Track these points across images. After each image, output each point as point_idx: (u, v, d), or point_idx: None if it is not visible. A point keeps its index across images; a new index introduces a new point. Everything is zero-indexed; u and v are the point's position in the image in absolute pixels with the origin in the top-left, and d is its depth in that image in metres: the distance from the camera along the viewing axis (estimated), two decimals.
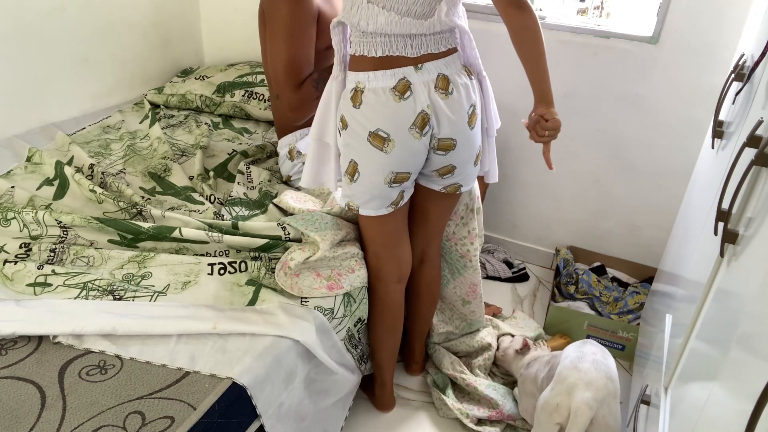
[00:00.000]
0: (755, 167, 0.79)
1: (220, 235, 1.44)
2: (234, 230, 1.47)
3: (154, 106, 2.32)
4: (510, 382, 1.82)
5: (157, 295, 1.30)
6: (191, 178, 1.83)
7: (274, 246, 1.44)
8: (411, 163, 1.31)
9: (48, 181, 1.68)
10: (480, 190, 1.74)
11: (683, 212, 1.69)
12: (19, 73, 1.91)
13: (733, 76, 1.24)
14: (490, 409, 1.68)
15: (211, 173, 1.84)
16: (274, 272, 1.40)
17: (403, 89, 1.23)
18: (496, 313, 2.12)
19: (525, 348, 1.74)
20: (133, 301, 1.28)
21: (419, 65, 1.24)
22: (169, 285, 1.34)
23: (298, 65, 1.54)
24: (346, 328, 1.45)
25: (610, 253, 2.33)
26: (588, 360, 1.41)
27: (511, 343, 1.81)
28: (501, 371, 1.86)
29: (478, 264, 1.75)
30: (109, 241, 1.46)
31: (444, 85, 1.25)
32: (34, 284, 1.30)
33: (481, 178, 1.55)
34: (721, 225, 0.85)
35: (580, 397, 1.32)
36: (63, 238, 1.45)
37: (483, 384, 1.73)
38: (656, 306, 1.65)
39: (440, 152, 1.32)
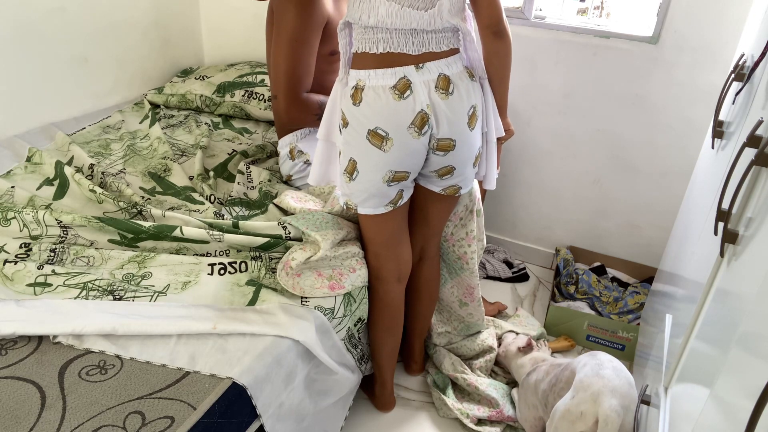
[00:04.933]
0: (755, 167, 0.79)
1: (221, 233, 1.44)
2: (235, 229, 1.47)
3: (154, 106, 2.32)
4: (512, 381, 1.81)
5: (157, 295, 1.30)
6: (191, 178, 1.83)
7: (275, 245, 1.44)
8: (409, 162, 1.31)
9: (48, 181, 1.68)
10: (480, 192, 1.74)
11: (683, 212, 1.69)
12: (19, 73, 1.92)
13: (733, 76, 1.24)
14: (491, 409, 1.68)
15: (211, 173, 1.85)
16: (274, 272, 1.40)
17: (403, 88, 1.23)
18: (500, 309, 2.12)
19: (528, 347, 1.74)
20: (133, 301, 1.28)
21: (420, 65, 1.24)
22: (169, 285, 1.34)
23: (299, 71, 1.57)
24: (346, 328, 1.45)
25: (610, 253, 2.33)
26: (608, 367, 1.38)
27: (514, 340, 1.81)
28: (503, 371, 1.86)
29: (476, 267, 1.74)
30: (110, 240, 1.46)
31: (444, 85, 1.25)
32: (34, 284, 1.30)
33: (480, 182, 1.55)
34: (721, 225, 0.85)
35: (608, 405, 1.28)
36: (63, 238, 1.45)
37: (484, 383, 1.73)
38: (656, 306, 1.65)
39: (439, 153, 1.32)
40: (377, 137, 1.26)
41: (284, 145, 1.78)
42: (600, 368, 1.38)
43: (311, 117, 1.66)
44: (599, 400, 1.30)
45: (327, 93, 1.67)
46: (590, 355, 1.46)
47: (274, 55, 1.59)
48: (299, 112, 1.64)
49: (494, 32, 1.29)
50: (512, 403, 1.71)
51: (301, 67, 1.57)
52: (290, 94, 1.59)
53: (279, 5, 1.55)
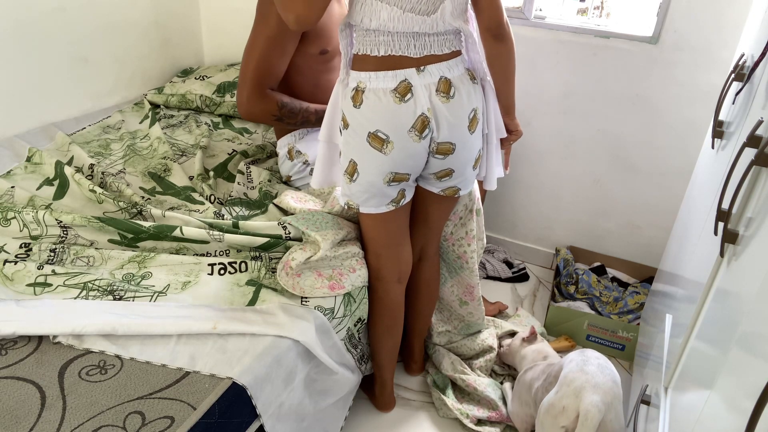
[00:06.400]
0: (755, 167, 0.79)
1: (221, 234, 1.44)
2: (235, 229, 1.47)
3: (154, 106, 2.32)
4: (513, 380, 1.81)
5: (157, 295, 1.30)
6: (191, 178, 1.83)
7: (275, 245, 1.44)
8: (410, 164, 1.31)
9: (48, 181, 1.68)
10: (480, 192, 1.74)
11: (683, 212, 1.69)
12: (19, 73, 1.91)
13: (733, 76, 1.24)
14: (490, 410, 1.68)
15: (211, 173, 1.85)
16: (274, 272, 1.40)
17: (403, 91, 1.23)
18: (501, 309, 2.12)
19: (532, 336, 1.74)
20: (133, 301, 1.28)
21: (421, 67, 1.23)
22: (169, 285, 1.34)
23: (266, 69, 1.56)
24: (346, 328, 1.45)
25: (610, 253, 2.33)
26: (593, 364, 1.40)
27: (518, 334, 1.81)
28: (503, 370, 1.85)
29: (476, 267, 1.74)
30: (110, 240, 1.46)
31: (445, 88, 1.25)
32: (34, 284, 1.30)
33: (480, 182, 1.55)
34: (721, 225, 0.85)
35: (589, 400, 1.30)
36: (63, 238, 1.45)
37: (483, 384, 1.73)
38: (656, 306, 1.65)
39: (439, 156, 1.32)
40: (378, 140, 1.26)
41: (283, 145, 1.78)
42: (585, 364, 1.40)
43: (269, 117, 1.63)
44: (581, 395, 1.32)
45: (322, 92, 1.68)
46: (579, 352, 1.48)
47: (247, 49, 1.58)
48: (258, 107, 1.60)
49: (494, 35, 1.29)
50: (504, 398, 1.71)
51: (270, 66, 1.56)
52: (253, 89, 1.57)
53: (264, 2, 1.56)
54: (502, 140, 1.47)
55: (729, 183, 0.88)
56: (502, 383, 1.79)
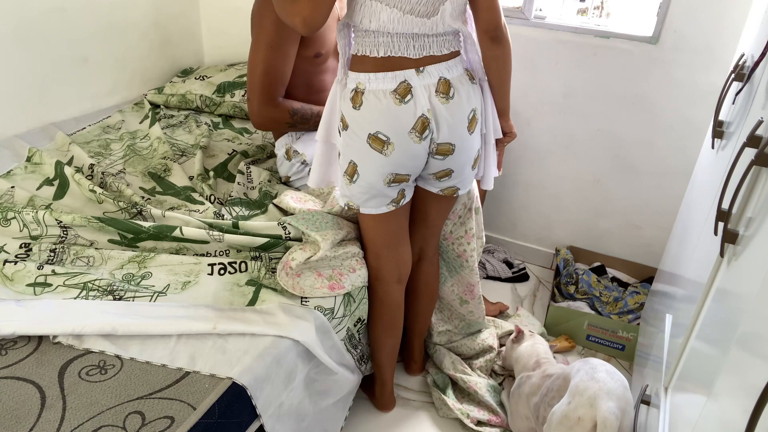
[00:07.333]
0: (755, 167, 0.79)
1: (220, 234, 1.44)
2: (235, 230, 1.47)
3: (154, 106, 2.32)
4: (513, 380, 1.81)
5: (157, 295, 1.30)
6: (191, 178, 1.83)
7: (274, 245, 1.44)
8: (410, 165, 1.31)
9: (48, 181, 1.68)
10: (479, 192, 1.74)
11: (683, 212, 1.69)
12: (19, 73, 1.92)
13: (733, 76, 1.24)
14: (490, 414, 1.68)
15: (211, 173, 1.85)
16: (274, 272, 1.40)
17: (403, 92, 1.22)
18: (502, 310, 2.12)
19: (519, 335, 1.74)
20: (133, 301, 1.28)
21: (421, 68, 1.23)
22: (169, 285, 1.34)
23: (273, 76, 1.57)
24: (346, 328, 1.45)
25: (610, 253, 2.33)
26: (601, 371, 1.37)
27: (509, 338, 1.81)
28: (504, 370, 1.85)
29: (476, 265, 1.74)
30: (110, 241, 1.46)
31: (445, 89, 1.25)
32: (34, 284, 1.30)
33: (478, 182, 1.55)
34: (721, 225, 0.85)
35: (605, 407, 1.27)
36: (63, 238, 1.45)
37: (483, 387, 1.73)
38: (656, 306, 1.65)
39: (438, 157, 1.32)
40: (378, 142, 1.26)
41: (281, 146, 1.77)
42: (594, 372, 1.37)
43: (283, 125, 1.65)
44: (596, 403, 1.29)
45: (315, 92, 1.68)
46: (583, 361, 1.46)
47: (250, 60, 1.59)
48: (271, 117, 1.62)
49: (491, 37, 1.28)
50: (502, 405, 1.71)
51: (276, 73, 1.57)
52: (264, 98, 1.59)
53: (258, 11, 1.56)
54: (496, 141, 1.46)
55: (729, 183, 0.88)
56: (501, 384, 1.79)
